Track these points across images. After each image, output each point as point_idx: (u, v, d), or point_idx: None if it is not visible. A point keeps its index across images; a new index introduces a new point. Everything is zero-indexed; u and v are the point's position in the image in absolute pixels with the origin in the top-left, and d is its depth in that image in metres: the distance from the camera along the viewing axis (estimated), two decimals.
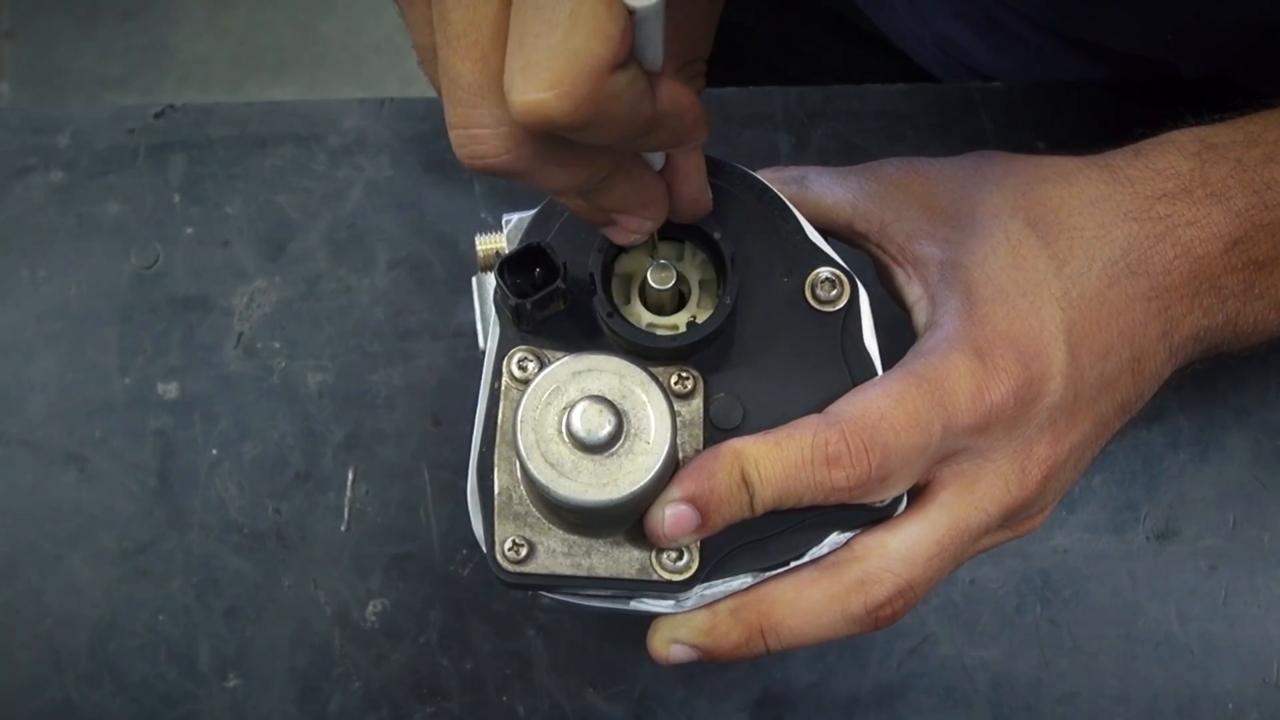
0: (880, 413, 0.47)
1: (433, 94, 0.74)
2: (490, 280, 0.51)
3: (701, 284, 0.51)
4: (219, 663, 0.66)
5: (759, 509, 0.48)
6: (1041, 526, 0.54)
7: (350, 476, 0.68)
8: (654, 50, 0.40)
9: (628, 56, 0.38)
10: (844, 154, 0.72)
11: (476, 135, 0.41)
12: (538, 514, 0.48)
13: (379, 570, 0.67)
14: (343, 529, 0.68)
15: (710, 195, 0.49)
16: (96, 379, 0.69)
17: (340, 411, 0.69)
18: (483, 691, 0.66)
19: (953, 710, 0.66)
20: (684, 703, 0.66)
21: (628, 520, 0.48)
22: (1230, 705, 0.66)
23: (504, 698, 0.66)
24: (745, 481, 0.47)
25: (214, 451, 0.68)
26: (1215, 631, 0.67)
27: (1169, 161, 0.52)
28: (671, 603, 0.50)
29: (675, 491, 0.47)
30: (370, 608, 0.67)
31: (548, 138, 0.41)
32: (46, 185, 0.72)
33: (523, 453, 0.45)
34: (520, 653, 0.66)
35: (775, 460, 0.47)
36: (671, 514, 0.46)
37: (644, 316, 0.51)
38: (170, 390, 0.69)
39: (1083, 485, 0.68)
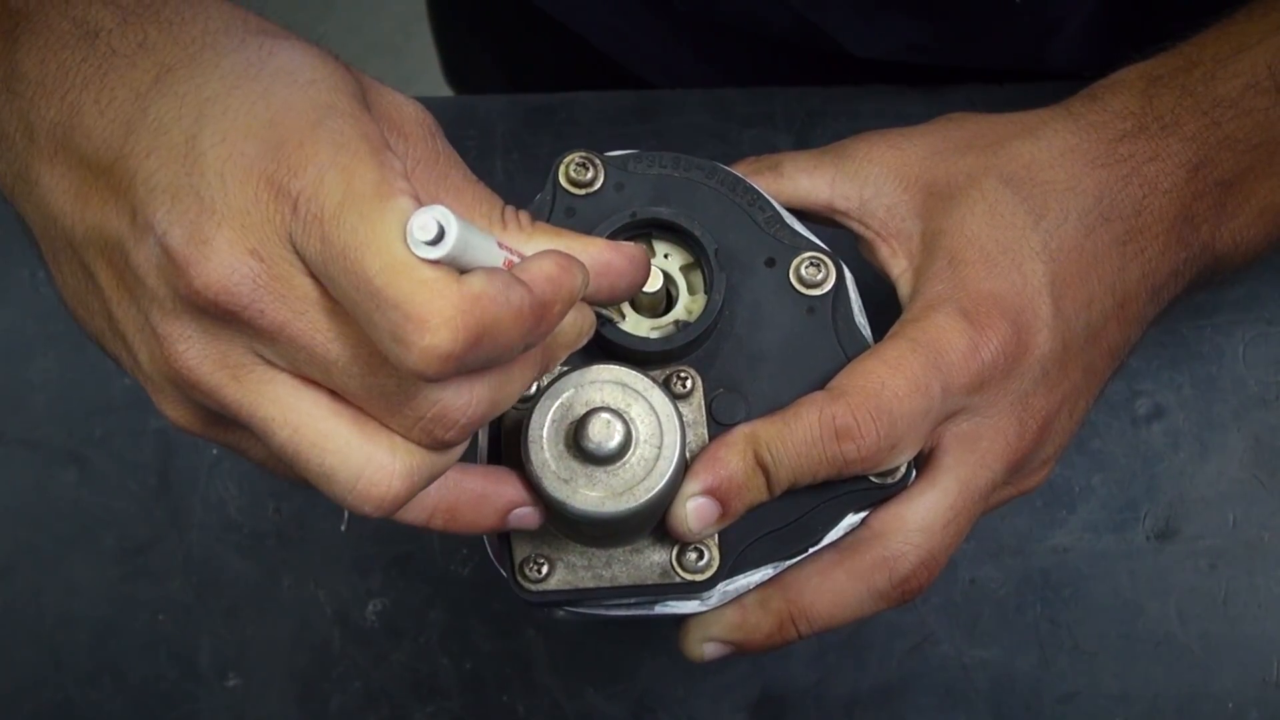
0: (881, 381, 0.48)
1: (432, 93, 0.73)
2: None
3: (688, 282, 0.51)
4: (219, 663, 0.66)
5: (776, 490, 0.48)
6: (1042, 483, 0.55)
7: None
8: (482, 257, 0.38)
9: (459, 268, 0.37)
10: None
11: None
12: (553, 530, 0.48)
13: (379, 570, 0.67)
14: (343, 529, 0.68)
15: (622, 264, 0.45)
16: (96, 379, 0.69)
17: None
18: (483, 691, 0.66)
19: (953, 710, 0.66)
20: (684, 702, 0.66)
21: (646, 527, 0.48)
22: (1230, 705, 0.66)
23: (504, 697, 0.66)
24: (760, 464, 0.48)
25: (214, 451, 0.68)
26: (1215, 631, 0.67)
27: (1122, 102, 0.53)
28: (696, 603, 0.50)
29: (694, 485, 0.47)
30: (370, 607, 0.67)
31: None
32: None
33: (535, 471, 0.45)
34: (520, 652, 0.66)
35: (786, 439, 0.47)
36: (694, 508, 0.47)
37: (634, 321, 0.51)
38: None
39: (1082, 485, 0.68)
